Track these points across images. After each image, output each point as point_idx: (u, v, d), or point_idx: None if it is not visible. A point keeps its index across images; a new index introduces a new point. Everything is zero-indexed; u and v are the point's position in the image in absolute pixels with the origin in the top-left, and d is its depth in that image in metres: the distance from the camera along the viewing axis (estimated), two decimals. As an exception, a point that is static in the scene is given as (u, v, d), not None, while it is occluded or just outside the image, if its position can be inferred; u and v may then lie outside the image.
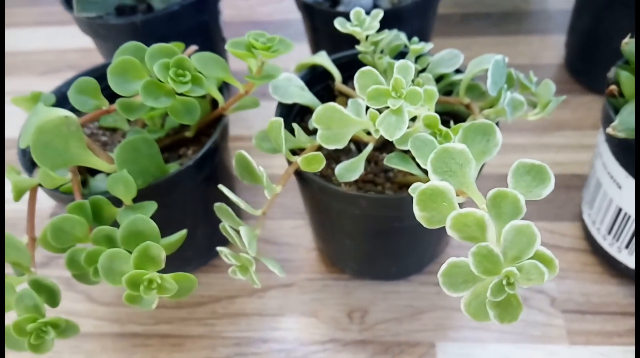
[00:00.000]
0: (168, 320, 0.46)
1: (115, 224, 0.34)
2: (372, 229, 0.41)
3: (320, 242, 0.49)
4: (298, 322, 0.45)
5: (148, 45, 0.36)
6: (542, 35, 0.71)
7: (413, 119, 0.33)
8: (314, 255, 0.50)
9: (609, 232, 0.43)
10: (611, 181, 0.40)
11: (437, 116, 0.31)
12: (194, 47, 0.44)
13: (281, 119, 0.34)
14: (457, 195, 0.26)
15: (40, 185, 0.37)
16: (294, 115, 0.44)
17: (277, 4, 0.82)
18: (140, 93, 0.33)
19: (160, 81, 0.34)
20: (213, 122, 0.44)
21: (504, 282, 0.23)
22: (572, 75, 0.64)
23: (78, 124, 0.34)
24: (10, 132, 0.66)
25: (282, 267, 0.36)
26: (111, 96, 0.37)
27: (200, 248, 0.48)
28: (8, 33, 0.84)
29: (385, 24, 0.42)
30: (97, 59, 0.75)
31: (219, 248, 0.36)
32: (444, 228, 0.45)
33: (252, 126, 0.63)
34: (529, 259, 0.23)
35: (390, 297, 0.46)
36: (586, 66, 0.62)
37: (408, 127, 0.31)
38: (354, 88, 0.45)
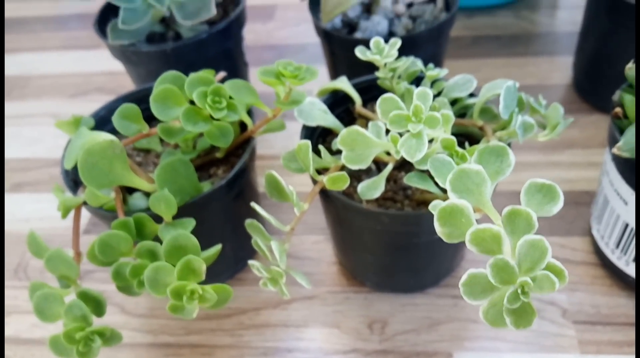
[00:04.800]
0: (198, 331, 0.48)
1: (156, 239, 0.37)
2: (391, 244, 0.44)
3: (341, 256, 0.51)
4: (321, 333, 0.48)
5: (178, 70, 0.39)
6: (550, 57, 0.73)
7: (430, 140, 0.36)
8: (335, 269, 0.52)
9: (617, 246, 0.45)
10: (618, 197, 0.42)
11: (454, 138, 0.34)
12: (223, 74, 0.47)
13: (309, 142, 0.37)
14: (474, 212, 0.29)
15: (84, 203, 0.40)
16: (317, 136, 0.47)
17: (294, 28, 0.85)
18: (180, 119, 0.36)
19: (199, 107, 0.36)
20: (241, 144, 0.47)
21: (519, 291, 0.25)
22: (580, 95, 0.66)
23: (122, 147, 0.37)
24: (43, 153, 0.69)
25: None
26: (147, 119, 0.40)
27: (227, 263, 0.50)
28: (36, 57, 0.88)
29: (400, 50, 0.44)
30: (124, 81, 0.78)
31: (250, 262, 0.38)
32: (460, 243, 0.48)
33: (272, 146, 0.66)
34: (541, 270, 0.25)
35: (409, 309, 0.48)
36: (593, 86, 0.64)
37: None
38: (373, 111, 0.48)
